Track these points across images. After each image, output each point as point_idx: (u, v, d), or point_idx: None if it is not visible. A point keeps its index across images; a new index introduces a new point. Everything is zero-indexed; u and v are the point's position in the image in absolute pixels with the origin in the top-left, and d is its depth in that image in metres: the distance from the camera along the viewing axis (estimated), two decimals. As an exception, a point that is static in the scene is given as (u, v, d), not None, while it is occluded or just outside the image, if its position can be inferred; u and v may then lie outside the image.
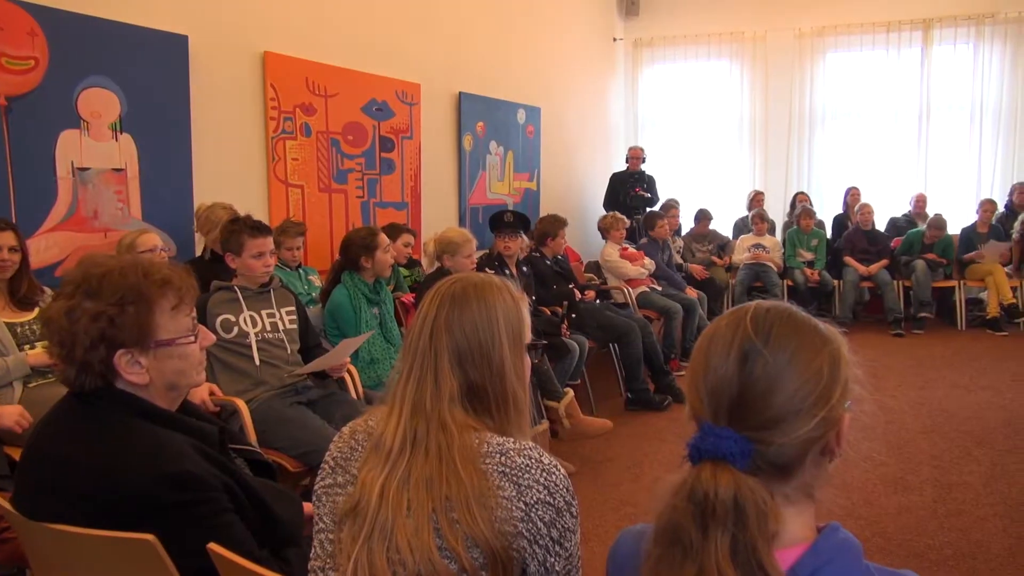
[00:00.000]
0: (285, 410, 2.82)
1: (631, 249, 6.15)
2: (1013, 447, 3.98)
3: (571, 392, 3.96)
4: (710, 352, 0.90)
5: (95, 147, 3.48)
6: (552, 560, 1.10)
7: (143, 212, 3.69)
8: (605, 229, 6.12)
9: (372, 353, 3.44)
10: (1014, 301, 6.83)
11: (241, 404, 2.70)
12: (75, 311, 1.33)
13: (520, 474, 1.10)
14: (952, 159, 8.21)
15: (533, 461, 1.11)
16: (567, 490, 1.12)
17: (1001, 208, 7.48)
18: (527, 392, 1.23)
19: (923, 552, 2.90)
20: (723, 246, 7.72)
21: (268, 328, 2.97)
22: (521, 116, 6.94)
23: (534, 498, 1.09)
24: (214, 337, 1.55)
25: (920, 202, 7.72)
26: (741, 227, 8.12)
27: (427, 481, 1.10)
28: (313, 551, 1.20)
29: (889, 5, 8.13)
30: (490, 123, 6.48)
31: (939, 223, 7.11)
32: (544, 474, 1.11)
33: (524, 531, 1.08)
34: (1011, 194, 7.61)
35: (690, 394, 0.93)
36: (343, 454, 1.22)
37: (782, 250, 7.53)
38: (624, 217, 6.23)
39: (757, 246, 7.49)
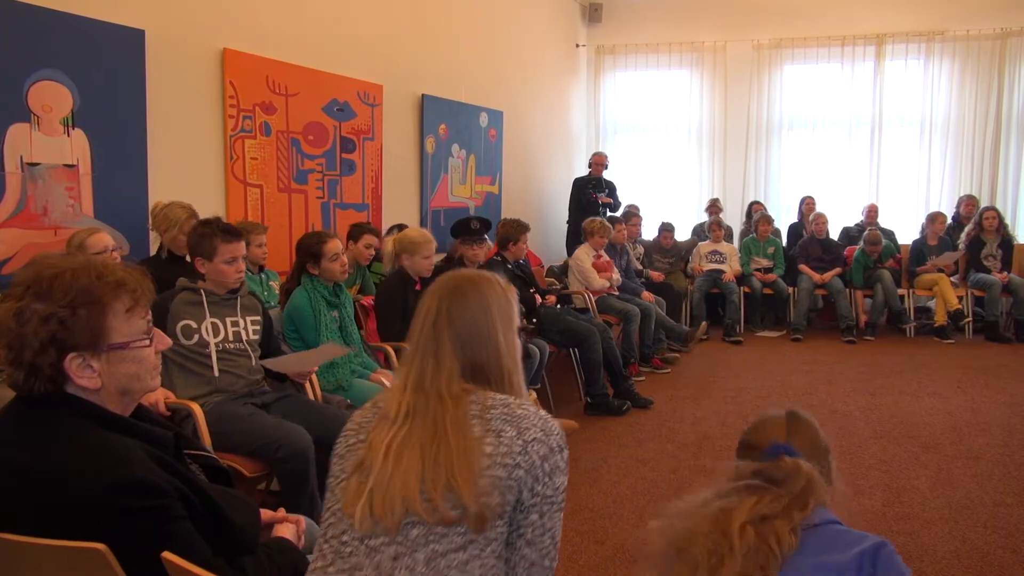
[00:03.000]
0: (238, 409, 2.77)
1: (605, 258, 6.15)
2: (958, 452, 4.11)
3: (533, 394, 3.97)
4: (764, 431, 1.42)
5: (46, 142, 3.38)
6: (540, 488, 1.28)
7: (95, 210, 3.60)
8: (589, 232, 6.04)
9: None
10: (959, 306, 7.06)
11: (196, 408, 2.64)
12: (24, 312, 1.29)
13: (520, 420, 1.30)
14: (903, 171, 8.46)
15: (531, 412, 1.33)
16: (561, 436, 1.32)
17: (948, 220, 7.72)
18: (519, 366, 1.44)
19: (873, 555, 2.96)
20: (685, 259, 7.79)
21: (231, 337, 2.88)
22: (484, 119, 6.94)
23: (531, 436, 1.29)
24: (170, 341, 1.51)
25: (872, 212, 7.92)
26: (699, 233, 8.24)
27: (421, 445, 1.28)
28: (328, 497, 1.37)
29: (844, 20, 8.34)
30: (452, 126, 6.47)
31: (873, 239, 7.32)
32: (541, 420, 1.32)
33: (522, 463, 1.26)
34: (958, 206, 7.87)
35: (751, 446, 1.39)
36: (366, 419, 1.39)
37: (739, 255, 7.66)
38: (611, 225, 6.22)
39: (714, 253, 7.61)
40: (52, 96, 3.39)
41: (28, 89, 3.30)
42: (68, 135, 3.47)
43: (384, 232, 5.09)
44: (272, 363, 2.90)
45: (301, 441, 2.68)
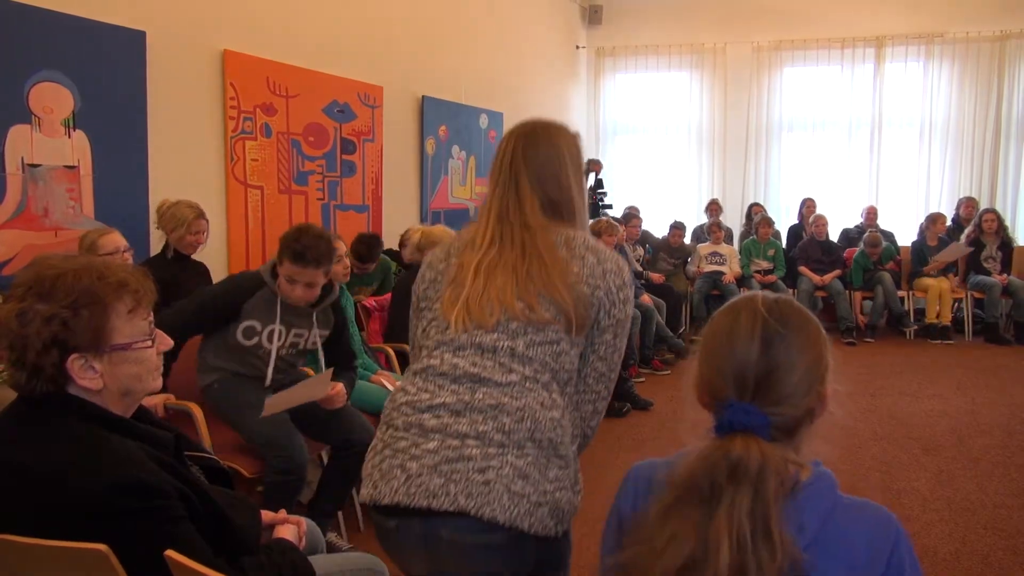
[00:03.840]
0: (248, 396, 2.68)
1: None
2: (958, 454, 4.11)
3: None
4: (733, 339, 1.06)
5: (47, 143, 3.38)
6: (615, 312, 1.46)
7: (96, 211, 3.60)
8: (597, 232, 5.97)
9: None
10: (936, 322, 7.08)
11: (196, 410, 2.64)
12: (27, 313, 1.29)
13: (599, 251, 1.47)
14: (902, 173, 8.47)
15: (606, 248, 1.51)
16: (629, 274, 1.51)
17: (948, 222, 7.72)
18: (586, 206, 1.61)
19: (873, 557, 2.96)
20: (686, 260, 7.78)
21: (288, 346, 2.79)
22: (484, 121, 6.95)
23: (609, 267, 1.46)
24: (171, 342, 1.51)
25: (871, 214, 7.92)
26: (699, 235, 8.24)
27: (513, 266, 1.42)
28: (420, 317, 1.52)
29: (843, 22, 8.35)
30: (452, 127, 6.47)
31: (873, 241, 7.32)
32: (614, 256, 1.50)
33: (601, 285, 1.44)
34: (957, 208, 7.86)
35: (709, 376, 1.08)
36: (454, 247, 1.52)
37: (739, 257, 7.66)
38: (619, 225, 6.19)
39: (714, 254, 7.60)
40: (53, 97, 3.39)
41: (29, 90, 3.30)
42: (69, 136, 3.47)
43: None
44: (277, 400, 2.64)
45: (298, 457, 2.62)
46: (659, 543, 1.00)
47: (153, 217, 3.79)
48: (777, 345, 1.04)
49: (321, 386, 2.68)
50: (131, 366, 1.38)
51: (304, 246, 2.59)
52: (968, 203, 7.74)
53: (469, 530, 1.29)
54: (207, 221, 3.70)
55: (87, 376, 1.33)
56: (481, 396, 1.35)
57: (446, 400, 1.36)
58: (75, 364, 1.32)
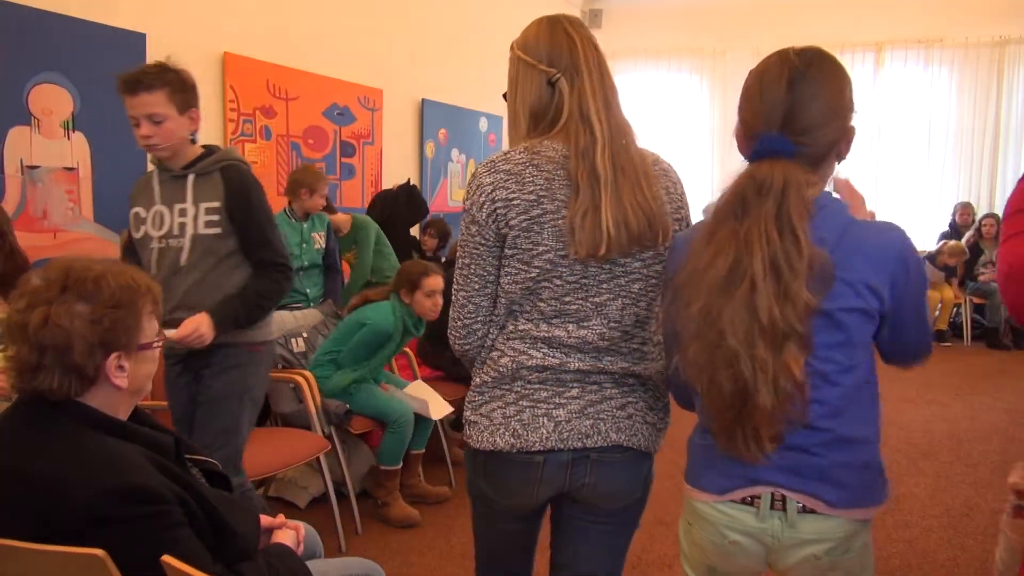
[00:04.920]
0: (171, 390, 2.32)
1: None
2: (956, 459, 4.11)
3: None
4: (764, 81, 1.28)
5: (46, 145, 3.38)
6: (679, 227, 1.53)
7: (95, 213, 3.60)
8: None
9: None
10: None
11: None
12: (66, 315, 1.30)
13: (668, 173, 1.56)
14: (901, 178, 8.47)
15: (668, 165, 1.59)
16: (682, 183, 1.59)
17: (945, 227, 7.72)
18: None
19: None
20: None
21: (175, 231, 2.17)
22: (483, 124, 6.95)
23: (678, 190, 1.56)
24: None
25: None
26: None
27: (624, 168, 1.44)
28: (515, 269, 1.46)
29: (843, 27, 8.35)
30: (452, 131, 6.48)
31: None
32: (673, 171, 1.58)
33: (684, 215, 1.54)
34: (954, 214, 7.87)
35: (744, 117, 1.31)
36: (544, 189, 1.43)
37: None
38: None
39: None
40: (52, 99, 3.39)
41: (29, 92, 3.30)
42: (68, 138, 3.47)
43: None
44: None
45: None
46: (705, 261, 1.19)
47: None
48: (800, 82, 1.22)
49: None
50: (148, 365, 1.43)
51: (130, 73, 2.15)
52: (964, 209, 7.75)
53: (613, 452, 1.49)
54: None
55: (119, 375, 1.36)
56: (608, 362, 1.47)
57: (579, 366, 1.47)
58: (112, 364, 1.34)
